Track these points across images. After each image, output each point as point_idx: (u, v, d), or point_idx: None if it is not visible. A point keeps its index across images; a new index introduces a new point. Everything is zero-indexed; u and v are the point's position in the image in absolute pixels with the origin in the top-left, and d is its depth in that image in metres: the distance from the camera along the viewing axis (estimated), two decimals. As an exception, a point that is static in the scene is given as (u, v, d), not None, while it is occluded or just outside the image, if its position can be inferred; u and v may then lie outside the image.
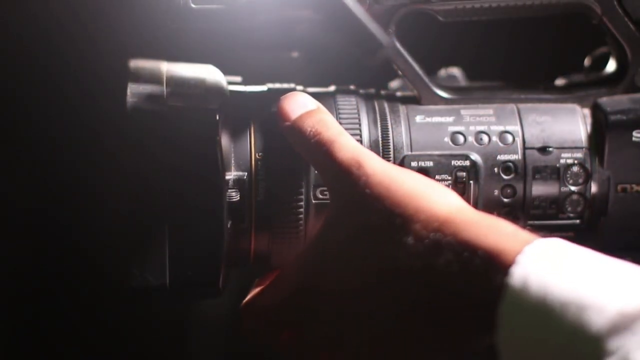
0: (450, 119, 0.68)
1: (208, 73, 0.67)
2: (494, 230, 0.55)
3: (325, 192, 0.66)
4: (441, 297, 0.56)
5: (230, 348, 0.95)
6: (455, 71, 0.76)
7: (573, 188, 0.67)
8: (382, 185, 0.59)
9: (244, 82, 0.71)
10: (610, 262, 0.52)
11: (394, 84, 0.75)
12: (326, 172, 0.63)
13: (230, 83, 0.69)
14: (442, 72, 0.76)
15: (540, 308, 0.50)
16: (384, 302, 0.58)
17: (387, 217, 0.58)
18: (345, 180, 0.61)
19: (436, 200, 0.58)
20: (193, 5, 0.63)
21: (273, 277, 0.65)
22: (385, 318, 0.58)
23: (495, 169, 0.67)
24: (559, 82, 0.75)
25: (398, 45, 0.68)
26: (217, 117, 0.63)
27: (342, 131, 0.63)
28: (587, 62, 0.76)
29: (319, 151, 0.62)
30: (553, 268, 0.51)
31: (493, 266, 0.53)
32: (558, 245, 0.53)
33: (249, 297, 0.66)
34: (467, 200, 0.66)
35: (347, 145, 0.62)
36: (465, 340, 0.55)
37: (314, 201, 0.65)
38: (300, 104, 0.65)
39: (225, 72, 0.69)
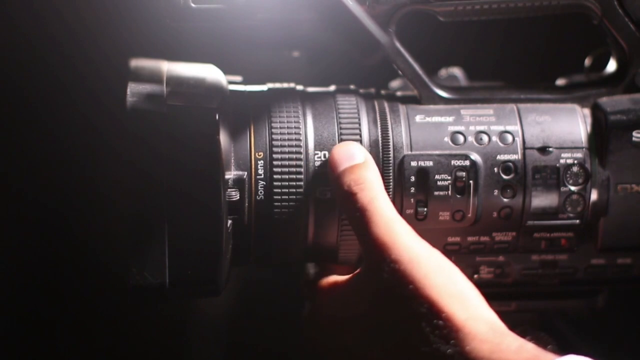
0: (450, 119, 0.67)
1: (208, 72, 0.67)
2: (500, 348, 0.57)
3: (325, 192, 0.66)
4: None
5: (231, 347, 0.95)
6: (456, 71, 0.76)
7: (573, 188, 0.67)
8: (405, 277, 0.60)
9: (245, 82, 0.71)
10: None
11: (395, 83, 0.75)
12: (358, 234, 0.64)
13: (230, 82, 0.69)
14: (443, 72, 0.76)
15: None
16: None
17: (403, 309, 0.60)
18: (373, 256, 0.62)
19: (452, 304, 0.59)
20: (193, 5, 0.64)
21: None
22: None
23: (495, 169, 0.66)
24: (560, 82, 0.75)
25: (398, 45, 0.68)
26: (217, 117, 0.63)
27: (376, 195, 0.63)
28: (587, 62, 0.75)
29: (354, 214, 0.63)
30: None
31: None
32: None
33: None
34: (467, 200, 0.66)
35: (379, 216, 0.62)
36: None
37: (313, 201, 0.66)
38: (347, 156, 0.65)
39: (226, 71, 0.69)
